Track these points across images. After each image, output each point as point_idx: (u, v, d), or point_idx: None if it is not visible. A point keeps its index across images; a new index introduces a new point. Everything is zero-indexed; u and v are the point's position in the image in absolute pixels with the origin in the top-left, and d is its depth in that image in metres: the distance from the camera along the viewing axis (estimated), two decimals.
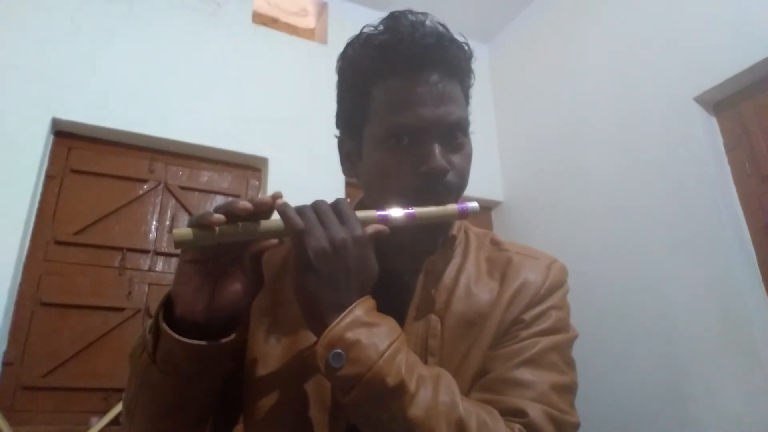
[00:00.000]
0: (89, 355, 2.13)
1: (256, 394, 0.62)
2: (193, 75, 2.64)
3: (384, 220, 0.55)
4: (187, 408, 0.57)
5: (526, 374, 0.57)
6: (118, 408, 2.01)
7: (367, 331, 0.49)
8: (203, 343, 0.51)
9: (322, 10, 3.31)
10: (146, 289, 2.31)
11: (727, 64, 2.10)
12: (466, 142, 0.63)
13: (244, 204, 0.50)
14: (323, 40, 3.17)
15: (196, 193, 2.58)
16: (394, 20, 0.61)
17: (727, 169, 2.16)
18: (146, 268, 2.35)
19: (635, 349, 2.28)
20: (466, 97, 0.66)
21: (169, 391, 0.54)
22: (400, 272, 0.65)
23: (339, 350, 0.48)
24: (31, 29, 2.35)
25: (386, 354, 0.48)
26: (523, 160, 3.24)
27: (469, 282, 0.65)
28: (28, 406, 2.00)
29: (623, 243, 2.44)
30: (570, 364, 0.61)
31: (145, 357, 0.54)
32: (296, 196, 0.68)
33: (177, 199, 2.51)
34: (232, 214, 0.50)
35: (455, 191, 0.62)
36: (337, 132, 0.70)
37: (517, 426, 0.53)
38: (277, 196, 0.53)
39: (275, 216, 0.53)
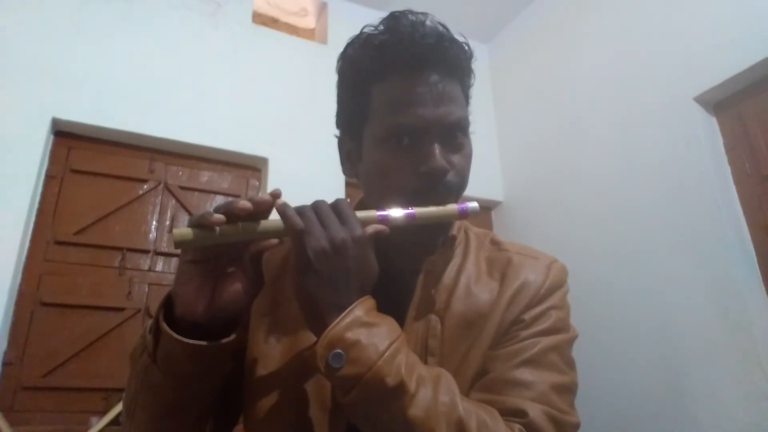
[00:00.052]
0: (89, 355, 2.13)
1: (256, 394, 0.62)
2: (193, 75, 2.64)
3: (384, 220, 0.55)
4: (188, 408, 0.57)
5: (526, 374, 0.57)
6: (118, 408, 2.01)
7: (367, 331, 0.49)
8: (203, 343, 0.51)
9: (322, 10, 3.31)
10: (146, 289, 2.31)
11: (727, 64, 2.10)
12: (466, 142, 0.63)
13: (244, 203, 0.50)
14: (323, 40, 3.17)
15: (196, 193, 2.58)
16: (394, 20, 0.61)
17: (727, 169, 2.16)
18: (146, 268, 2.35)
19: (635, 349, 2.28)
20: (466, 97, 0.66)
21: (169, 391, 0.54)
22: (400, 272, 0.65)
23: (339, 350, 0.48)
24: (31, 29, 2.35)
25: (386, 354, 0.48)
26: (523, 160, 3.24)
27: (469, 282, 0.65)
28: (28, 406, 2.00)
29: (623, 243, 2.44)
30: (570, 364, 0.61)
31: (145, 357, 0.54)
32: (296, 196, 0.68)
33: (177, 199, 2.51)
34: (231, 214, 0.50)
35: (455, 191, 0.62)
36: (337, 132, 0.70)
37: (517, 426, 0.53)
38: (276, 194, 0.53)
39: (275, 216, 0.53)
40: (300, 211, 0.52)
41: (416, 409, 0.48)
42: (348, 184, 2.71)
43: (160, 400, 0.55)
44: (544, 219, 2.94)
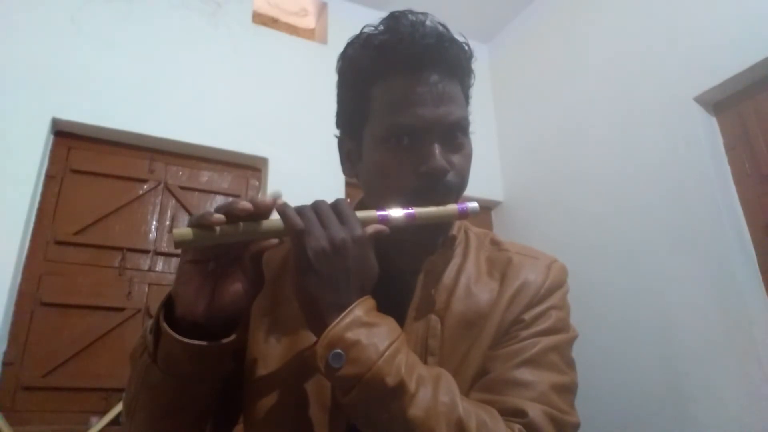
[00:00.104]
0: (89, 355, 2.13)
1: (256, 394, 0.62)
2: (193, 75, 2.64)
3: (384, 220, 0.55)
4: (188, 408, 0.57)
5: (526, 374, 0.57)
6: (118, 408, 2.01)
7: (366, 331, 0.49)
8: (204, 343, 0.51)
9: (322, 10, 3.31)
10: (146, 289, 2.31)
11: (727, 64, 2.10)
12: (466, 142, 0.63)
13: (245, 204, 0.50)
14: (323, 40, 3.17)
15: (196, 193, 2.59)
16: (394, 20, 0.61)
17: (727, 169, 2.16)
18: (146, 268, 2.35)
19: (635, 349, 2.28)
20: (466, 97, 0.66)
21: (169, 391, 0.54)
22: (400, 272, 0.65)
23: (339, 350, 0.48)
24: (31, 29, 2.35)
25: (386, 354, 0.48)
26: (523, 160, 3.24)
27: (469, 282, 0.65)
28: (28, 406, 2.00)
29: (623, 243, 2.44)
30: (570, 364, 0.61)
31: (145, 357, 0.54)
32: (296, 196, 0.68)
33: (177, 199, 2.51)
34: (232, 215, 0.50)
35: (455, 191, 0.62)
36: (337, 132, 0.70)
37: (517, 426, 0.53)
38: (277, 196, 0.53)
39: (275, 216, 0.53)
40: (300, 211, 0.52)
41: (416, 409, 0.48)
42: (348, 184, 2.71)
43: (160, 400, 0.55)
44: (544, 219, 2.94)
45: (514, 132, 3.36)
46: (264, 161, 2.70)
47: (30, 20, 2.36)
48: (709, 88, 2.17)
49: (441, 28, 0.62)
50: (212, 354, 0.52)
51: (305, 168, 2.69)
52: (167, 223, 2.45)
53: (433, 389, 0.50)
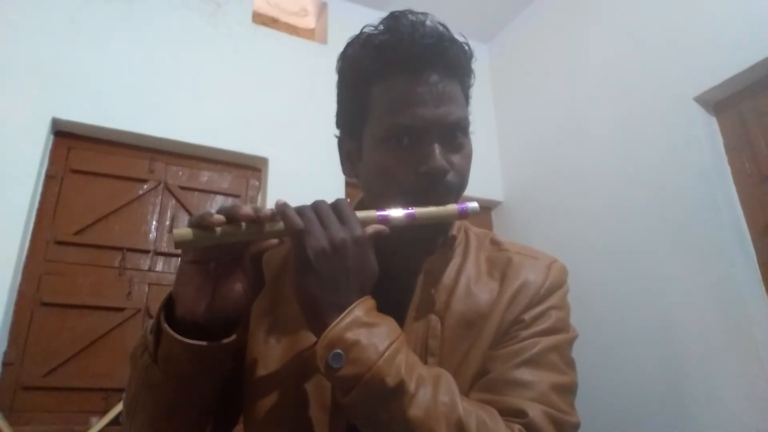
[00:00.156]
0: (89, 355, 2.13)
1: (256, 394, 0.62)
2: (193, 75, 2.64)
3: (384, 220, 0.55)
4: (188, 408, 0.57)
5: (526, 374, 0.57)
6: (118, 408, 2.01)
7: (366, 331, 0.49)
8: (204, 343, 0.51)
9: (322, 10, 3.31)
10: (146, 289, 2.31)
11: (727, 64, 2.10)
12: (466, 142, 0.63)
13: (246, 209, 0.50)
14: (323, 40, 3.17)
15: (196, 193, 2.58)
16: (394, 20, 0.61)
17: (727, 169, 2.15)
18: (146, 268, 2.35)
19: (635, 349, 2.28)
20: (466, 97, 0.66)
21: (169, 391, 0.54)
22: (400, 272, 0.65)
23: (339, 350, 0.48)
24: (31, 29, 2.35)
25: (386, 354, 0.48)
26: (523, 160, 3.24)
27: (469, 282, 0.65)
28: (28, 406, 2.00)
29: (623, 243, 2.44)
30: (570, 364, 0.61)
31: (146, 357, 0.54)
32: (296, 196, 0.68)
33: (177, 199, 2.51)
34: (232, 217, 0.50)
35: (455, 191, 0.62)
36: (337, 132, 0.70)
37: (516, 426, 0.53)
38: (280, 204, 0.53)
39: None
40: (300, 211, 0.52)
41: (416, 410, 0.48)
42: (348, 184, 2.71)
43: (160, 400, 0.55)
44: (544, 219, 2.94)
45: (514, 132, 3.36)
46: (264, 161, 2.70)
47: (30, 20, 2.36)
48: (709, 88, 2.17)
49: (441, 28, 0.62)
50: (212, 354, 0.52)
51: (305, 168, 2.69)
52: (167, 223, 2.45)
53: (433, 389, 0.50)
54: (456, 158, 0.61)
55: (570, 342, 0.63)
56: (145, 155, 2.50)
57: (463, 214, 0.59)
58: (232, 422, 0.68)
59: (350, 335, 0.48)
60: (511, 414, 0.54)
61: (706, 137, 2.19)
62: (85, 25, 2.47)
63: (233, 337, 0.54)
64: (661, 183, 2.30)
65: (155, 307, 2.07)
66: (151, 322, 0.55)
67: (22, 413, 1.98)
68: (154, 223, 2.43)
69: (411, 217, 0.56)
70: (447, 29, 0.62)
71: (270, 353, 0.63)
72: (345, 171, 0.70)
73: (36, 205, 2.20)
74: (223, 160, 2.67)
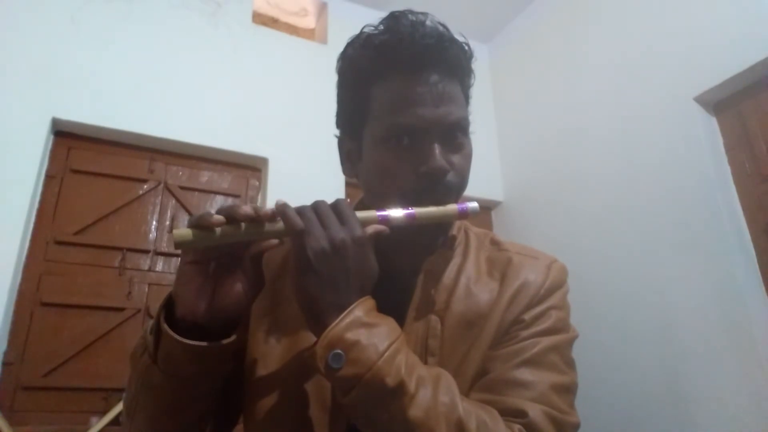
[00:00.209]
0: (89, 355, 2.13)
1: (256, 394, 0.62)
2: (193, 75, 2.64)
3: (384, 220, 0.55)
4: (188, 408, 0.57)
5: (526, 374, 0.57)
6: (118, 408, 2.01)
7: (366, 331, 0.49)
8: (204, 343, 0.51)
9: (322, 10, 3.31)
10: (146, 289, 2.31)
11: (727, 64, 2.10)
12: (466, 142, 0.63)
13: (246, 209, 0.50)
14: (323, 40, 3.17)
15: (196, 193, 2.59)
16: (394, 20, 0.61)
17: (727, 169, 2.16)
18: (146, 268, 2.35)
19: (635, 349, 2.28)
20: (466, 97, 0.66)
21: (169, 391, 0.54)
22: (400, 272, 0.65)
23: (339, 351, 0.48)
24: (31, 29, 2.35)
25: (386, 354, 0.48)
26: (523, 160, 3.24)
27: (469, 282, 0.64)
28: (28, 406, 2.00)
29: (623, 243, 2.44)
30: (570, 364, 0.61)
31: (146, 357, 0.54)
32: (296, 196, 0.68)
33: (177, 199, 2.51)
34: (232, 218, 0.50)
35: (455, 191, 0.62)
36: (337, 132, 0.70)
37: (516, 426, 0.53)
38: (280, 204, 0.53)
39: None
40: (300, 211, 0.52)
41: (416, 410, 0.48)
42: (348, 184, 2.71)
43: (160, 400, 0.55)
44: (544, 219, 2.94)
45: (514, 132, 3.36)
46: (264, 161, 2.70)
47: (30, 20, 2.36)
48: (709, 88, 2.17)
49: (441, 28, 0.62)
50: (212, 355, 0.52)
51: (305, 168, 2.69)
52: (167, 223, 2.45)
53: (433, 389, 0.50)
54: (456, 158, 0.61)
55: (570, 342, 0.63)
56: (145, 155, 2.50)
57: (463, 214, 0.59)
58: (232, 422, 0.68)
59: (350, 335, 0.48)
60: (511, 414, 0.54)
61: (706, 137, 2.19)
62: (85, 25, 2.47)
63: (233, 337, 0.54)
64: (661, 183, 2.30)
65: (155, 307, 2.07)
66: (150, 322, 0.55)
67: (22, 413, 1.98)
68: (154, 223, 2.43)
69: (411, 217, 0.56)
70: (447, 29, 0.62)
71: (270, 353, 0.63)
72: (345, 171, 0.70)
73: (36, 205, 2.20)
74: (223, 160, 2.67)
